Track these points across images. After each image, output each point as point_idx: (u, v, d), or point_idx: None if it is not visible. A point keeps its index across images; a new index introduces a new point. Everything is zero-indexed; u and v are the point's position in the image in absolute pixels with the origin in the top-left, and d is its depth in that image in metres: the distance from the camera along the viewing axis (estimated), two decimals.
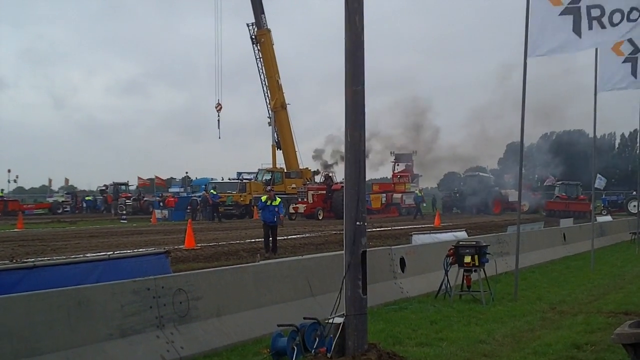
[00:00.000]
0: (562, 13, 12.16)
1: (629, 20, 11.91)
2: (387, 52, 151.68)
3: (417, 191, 55.14)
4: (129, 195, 60.10)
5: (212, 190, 46.34)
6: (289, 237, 28.83)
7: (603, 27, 12.00)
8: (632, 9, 11.90)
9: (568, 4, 12.12)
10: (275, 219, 20.88)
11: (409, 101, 69.81)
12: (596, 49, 15.54)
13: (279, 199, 21.36)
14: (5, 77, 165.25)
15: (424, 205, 57.77)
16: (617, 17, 11.94)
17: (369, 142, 59.77)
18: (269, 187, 24.52)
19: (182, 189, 68.23)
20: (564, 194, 54.95)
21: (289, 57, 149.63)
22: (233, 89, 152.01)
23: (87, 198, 67.23)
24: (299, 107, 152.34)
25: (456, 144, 68.10)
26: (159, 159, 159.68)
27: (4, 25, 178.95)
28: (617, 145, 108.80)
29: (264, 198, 21.36)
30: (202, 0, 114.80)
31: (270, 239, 20.90)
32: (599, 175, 51.26)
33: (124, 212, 51.57)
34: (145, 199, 59.75)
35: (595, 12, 11.98)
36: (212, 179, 57.79)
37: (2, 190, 63.86)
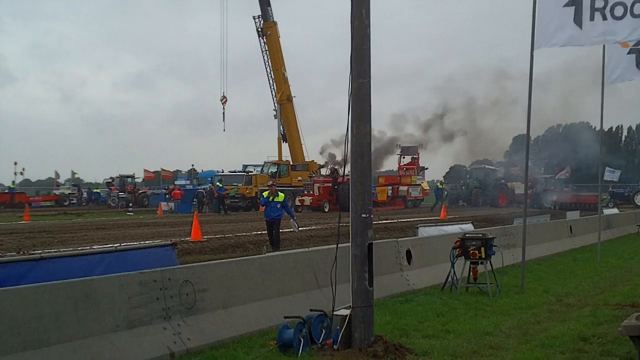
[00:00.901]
0: (566, 5, 12.11)
1: (633, 15, 11.79)
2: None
3: (438, 184, 54.04)
4: (133, 187, 59.81)
5: (218, 183, 46.38)
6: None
7: (605, 18, 11.92)
8: (634, 3, 11.79)
9: None
10: (277, 216, 19.56)
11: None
12: None
13: (282, 195, 20.23)
14: (14, 71, 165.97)
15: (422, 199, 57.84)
16: (619, 10, 11.85)
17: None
18: (270, 182, 23.70)
19: (188, 182, 68.26)
20: (552, 187, 55.18)
21: (297, 50, 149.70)
22: (241, 82, 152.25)
23: (95, 190, 67.30)
24: (307, 100, 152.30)
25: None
26: (166, 152, 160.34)
27: (12, 20, 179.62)
28: (624, 138, 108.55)
29: (265, 194, 20.10)
30: None
31: (274, 232, 19.70)
32: (609, 168, 51.04)
33: (130, 205, 51.55)
34: (140, 191, 59.21)
35: (600, 3, 11.91)
36: (217, 171, 57.87)
37: (13, 182, 64.18)
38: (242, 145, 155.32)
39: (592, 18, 11.94)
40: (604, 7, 11.84)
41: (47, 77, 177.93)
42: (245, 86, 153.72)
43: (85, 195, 66.45)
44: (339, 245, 8.42)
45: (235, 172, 54.66)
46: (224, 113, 57.34)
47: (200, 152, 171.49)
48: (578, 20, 12.02)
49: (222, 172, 56.13)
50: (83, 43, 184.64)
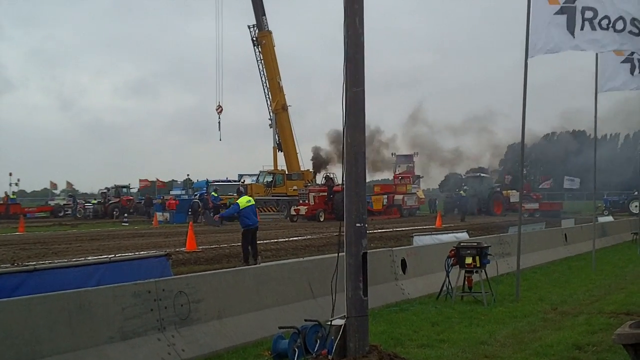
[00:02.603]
0: (557, 12, 12.21)
1: (615, 29, 12.03)
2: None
3: (461, 191, 52.11)
4: (104, 198, 58.72)
5: (213, 193, 46.32)
6: (290, 239, 28.84)
7: (594, 29, 12.11)
8: (618, 18, 12.01)
9: (564, 3, 12.18)
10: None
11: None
12: None
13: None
14: (12, 78, 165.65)
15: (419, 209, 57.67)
16: (604, 23, 12.06)
17: None
18: (240, 189, 22.63)
19: (183, 191, 68.26)
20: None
21: (299, 57, 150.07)
22: (242, 89, 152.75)
23: (93, 202, 66.95)
24: (307, 107, 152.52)
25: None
26: (163, 161, 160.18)
27: (11, 26, 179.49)
28: (619, 146, 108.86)
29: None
30: (211, 2, 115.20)
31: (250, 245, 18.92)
32: (568, 177, 51.13)
33: (126, 215, 51.26)
34: (110, 202, 57.91)
35: (589, 14, 12.06)
36: (211, 181, 57.97)
37: (14, 193, 64.09)
38: (240, 154, 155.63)
39: (582, 27, 12.08)
40: (593, 18, 12.00)
41: (46, 84, 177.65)
42: (246, 93, 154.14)
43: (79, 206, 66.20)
44: (333, 255, 8.41)
45: (219, 181, 54.65)
46: (219, 122, 57.65)
47: (198, 161, 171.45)
48: (570, 28, 12.14)
49: (206, 181, 56.21)
50: (82, 49, 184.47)
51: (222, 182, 55.44)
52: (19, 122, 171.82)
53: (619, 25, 12.02)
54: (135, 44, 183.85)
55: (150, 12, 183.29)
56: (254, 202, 18.91)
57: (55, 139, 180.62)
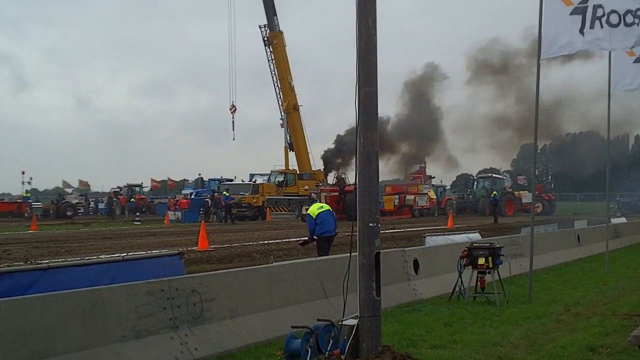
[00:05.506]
0: (572, 13, 12.16)
1: (625, 24, 11.92)
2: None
3: (494, 192, 49.38)
4: (58, 198, 58.22)
5: (225, 192, 46.42)
6: (302, 238, 28.77)
7: (602, 27, 12.03)
8: (627, 12, 11.90)
9: (578, 3, 12.13)
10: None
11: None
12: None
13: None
14: (28, 77, 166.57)
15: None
16: (614, 18, 11.95)
17: None
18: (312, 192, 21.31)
19: (195, 191, 68.46)
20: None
21: (315, 57, 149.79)
22: (255, 91, 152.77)
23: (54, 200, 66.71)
24: (323, 107, 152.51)
25: None
26: (177, 161, 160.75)
27: (28, 25, 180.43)
28: (630, 147, 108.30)
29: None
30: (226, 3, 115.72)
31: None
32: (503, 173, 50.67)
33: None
34: (64, 201, 57.31)
35: (599, 12, 12.00)
36: (220, 180, 58.22)
37: (27, 191, 64.26)
38: (252, 154, 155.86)
39: (592, 26, 12.01)
40: (602, 15, 11.92)
41: (61, 83, 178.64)
42: (260, 94, 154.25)
43: (92, 205, 66.51)
44: (346, 255, 8.41)
45: (214, 179, 54.95)
46: (233, 122, 57.90)
47: (212, 161, 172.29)
48: (582, 28, 12.08)
49: (200, 179, 56.28)
50: (98, 49, 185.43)
51: (218, 180, 55.81)
52: (34, 121, 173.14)
53: (629, 18, 11.91)
54: (150, 45, 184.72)
55: (166, 13, 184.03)
56: (328, 208, 16.91)
57: (70, 138, 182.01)
